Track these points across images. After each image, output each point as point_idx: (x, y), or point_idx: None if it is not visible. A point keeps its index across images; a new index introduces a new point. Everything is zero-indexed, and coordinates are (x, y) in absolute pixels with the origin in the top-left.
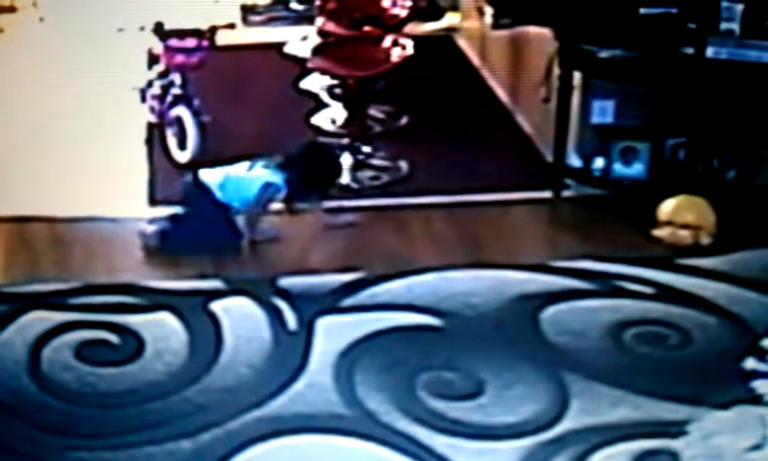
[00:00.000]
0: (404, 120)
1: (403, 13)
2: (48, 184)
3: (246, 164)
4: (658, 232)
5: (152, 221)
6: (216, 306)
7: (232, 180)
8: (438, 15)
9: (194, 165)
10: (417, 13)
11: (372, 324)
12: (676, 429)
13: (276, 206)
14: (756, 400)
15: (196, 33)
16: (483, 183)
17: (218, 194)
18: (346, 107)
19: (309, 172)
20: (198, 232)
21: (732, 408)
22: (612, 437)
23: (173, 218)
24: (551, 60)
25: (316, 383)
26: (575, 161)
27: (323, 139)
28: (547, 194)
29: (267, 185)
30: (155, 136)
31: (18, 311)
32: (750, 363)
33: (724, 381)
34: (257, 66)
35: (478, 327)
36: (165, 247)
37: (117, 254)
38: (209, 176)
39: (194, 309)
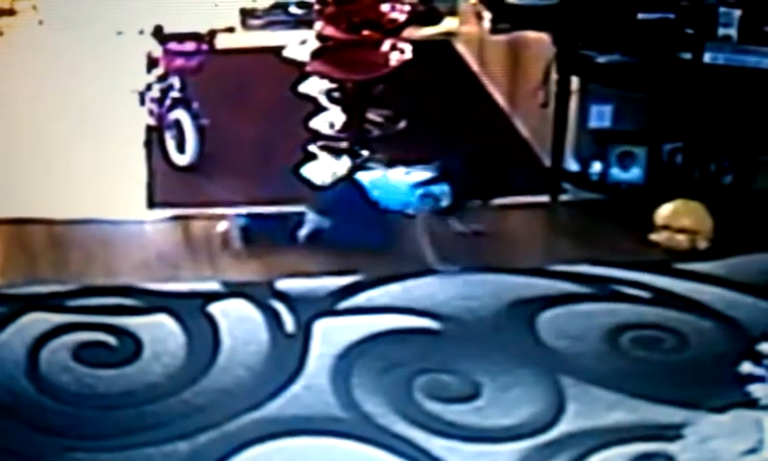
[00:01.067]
0: (402, 124)
1: (402, 18)
2: (47, 187)
3: (403, 170)
4: (655, 237)
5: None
6: (214, 309)
7: (389, 182)
8: (436, 20)
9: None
10: (415, 18)
11: (370, 327)
12: (672, 433)
13: None
14: (751, 403)
15: (195, 36)
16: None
17: (373, 192)
18: (344, 110)
19: (471, 184)
20: (351, 228)
21: (728, 412)
22: (609, 440)
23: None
24: (549, 64)
25: (313, 386)
26: (573, 166)
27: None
28: (545, 198)
29: (425, 196)
30: (153, 139)
31: (17, 313)
32: (746, 367)
33: (720, 385)
34: (256, 70)
35: (475, 330)
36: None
37: (115, 257)
38: (364, 176)
39: (192, 311)
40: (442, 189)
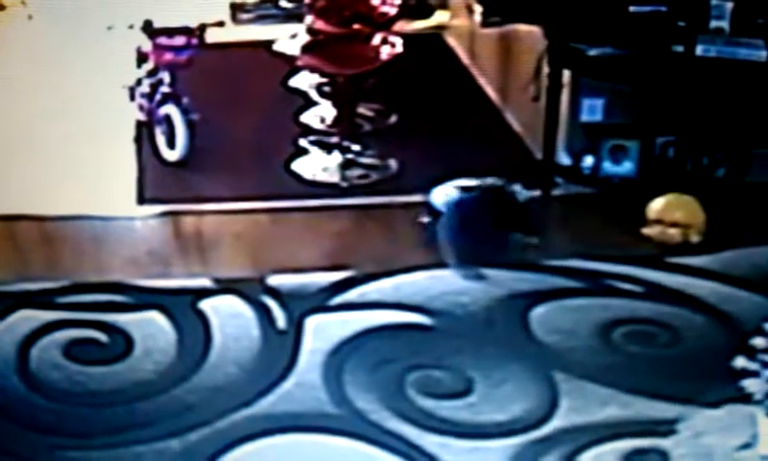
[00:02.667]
0: (393, 118)
1: (393, 11)
2: (37, 183)
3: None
4: (647, 231)
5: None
6: (205, 305)
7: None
8: (427, 13)
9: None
10: (406, 11)
11: (361, 322)
12: (665, 428)
13: None
14: (745, 398)
15: (185, 31)
16: None
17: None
18: (335, 105)
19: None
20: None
21: (722, 407)
22: (602, 436)
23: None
24: (540, 58)
25: (305, 382)
26: (564, 160)
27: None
28: (536, 192)
29: (455, 199)
30: (143, 135)
31: (7, 310)
32: (739, 361)
33: (713, 380)
34: (247, 64)
35: (468, 325)
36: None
37: (106, 253)
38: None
39: (183, 308)
40: (470, 205)
